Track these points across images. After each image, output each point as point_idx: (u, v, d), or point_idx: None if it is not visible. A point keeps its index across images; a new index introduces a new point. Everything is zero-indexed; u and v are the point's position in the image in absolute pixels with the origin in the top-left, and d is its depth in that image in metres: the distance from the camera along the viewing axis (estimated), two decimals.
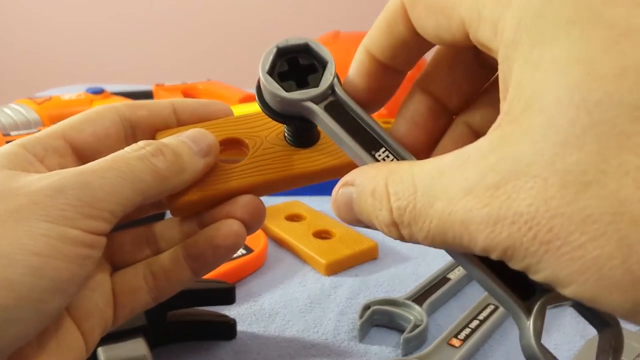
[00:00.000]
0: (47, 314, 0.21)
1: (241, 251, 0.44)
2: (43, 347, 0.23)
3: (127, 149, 0.24)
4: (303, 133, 0.27)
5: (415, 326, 0.36)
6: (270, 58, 0.23)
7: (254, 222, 0.26)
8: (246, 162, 0.27)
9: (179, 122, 0.28)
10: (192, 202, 0.26)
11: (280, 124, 0.27)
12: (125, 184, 0.23)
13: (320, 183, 0.28)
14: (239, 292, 0.40)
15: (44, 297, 0.20)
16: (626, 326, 0.37)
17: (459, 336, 0.35)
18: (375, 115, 0.25)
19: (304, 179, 0.27)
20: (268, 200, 0.44)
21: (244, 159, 0.27)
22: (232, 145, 0.28)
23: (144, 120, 0.27)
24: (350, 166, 0.25)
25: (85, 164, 0.23)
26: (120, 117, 0.27)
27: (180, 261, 0.26)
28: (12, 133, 0.64)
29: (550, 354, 0.18)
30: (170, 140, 0.25)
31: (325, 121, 0.22)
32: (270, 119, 0.25)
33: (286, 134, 0.27)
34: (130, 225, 0.28)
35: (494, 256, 0.16)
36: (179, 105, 0.28)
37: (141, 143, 0.24)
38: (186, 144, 0.25)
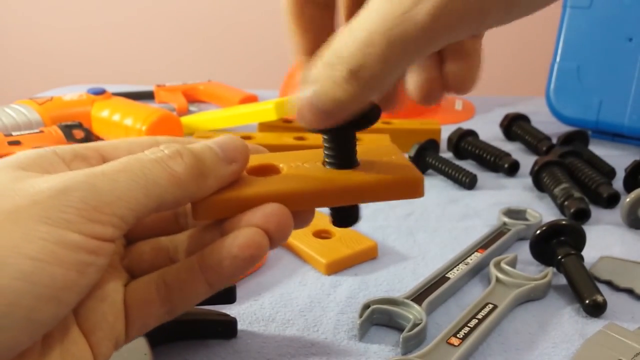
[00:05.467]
0: (41, 323, 0.19)
1: None
2: (45, 357, 0.21)
3: (145, 151, 0.23)
4: (343, 150, 0.26)
5: (415, 325, 0.36)
6: None
7: (278, 233, 0.23)
8: (279, 175, 0.26)
9: None
10: (214, 203, 0.24)
11: (318, 155, 0.27)
12: (137, 188, 0.21)
13: None
14: (240, 291, 0.40)
15: (37, 305, 0.19)
16: (624, 325, 0.37)
17: (458, 335, 0.35)
18: None
19: (339, 193, 0.25)
20: None
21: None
22: (266, 172, 0.26)
23: None
24: (392, 185, 0.25)
25: (97, 166, 0.22)
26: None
27: (196, 271, 0.24)
28: (14, 133, 0.64)
29: None
30: (195, 144, 0.24)
31: None
32: (308, 154, 0.26)
33: (325, 156, 0.27)
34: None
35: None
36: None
37: (161, 146, 0.23)
38: (211, 149, 0.24)
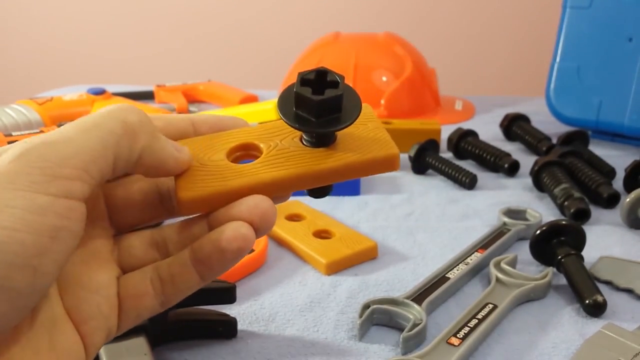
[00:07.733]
0: (19, 293, 0.19)
1: None
2: (31, 346, 0.21)
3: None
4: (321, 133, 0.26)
5: (415, 325, 0.36)
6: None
7: (263, 224, 0.24)
8: (259, 160, 0.26)
9: (197, 134, 0.28)
10: (198, 197, 0.25)
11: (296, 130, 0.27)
12: (93, 139, 0.21)
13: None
14: (240, 292, 0.40)
15: (9, 273, 0.19)
16: (624, 325, 0.37)
17: (458, 335, 0.35)
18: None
19: (319, 176, 0.26)
20: None
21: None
22: (247, 150, 0.27)
23: (160, 130, 0.26)
24: (370, 163, 0.26)
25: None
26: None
27: (188, 265, 0.24)
28: (14, 133, 0.64)
29: None
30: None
31: None
32: (286, 126, 0.27)
33: (303, 135, 0.27)
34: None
35: None
36: (197, 119, 0.28)
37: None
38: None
